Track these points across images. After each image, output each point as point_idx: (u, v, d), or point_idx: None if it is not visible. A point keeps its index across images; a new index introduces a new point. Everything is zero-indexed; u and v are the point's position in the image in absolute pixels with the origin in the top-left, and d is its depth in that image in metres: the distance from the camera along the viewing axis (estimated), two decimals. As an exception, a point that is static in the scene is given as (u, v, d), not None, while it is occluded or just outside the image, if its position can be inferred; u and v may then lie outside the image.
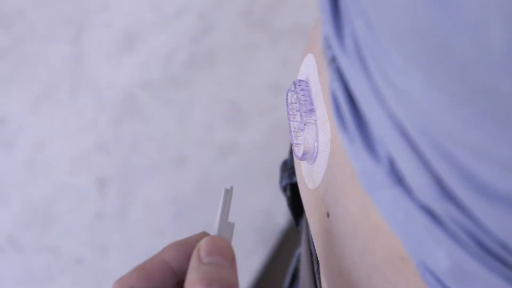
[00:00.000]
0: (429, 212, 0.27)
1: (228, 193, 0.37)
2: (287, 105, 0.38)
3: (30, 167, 1.23)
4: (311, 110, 0.36)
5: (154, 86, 1.26)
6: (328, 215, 0.36)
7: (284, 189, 0.51)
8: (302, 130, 0.37)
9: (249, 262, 1.16)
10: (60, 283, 1.19)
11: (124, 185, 1.22)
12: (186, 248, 0.35)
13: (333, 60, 0.31)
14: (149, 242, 1.18)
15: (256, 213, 1.19)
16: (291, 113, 0.37)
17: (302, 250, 0.47)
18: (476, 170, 0.24)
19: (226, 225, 0.37)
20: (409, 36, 0.23)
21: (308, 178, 0.38)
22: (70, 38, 1.29)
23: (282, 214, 1.18)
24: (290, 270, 0.60)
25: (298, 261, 0.57)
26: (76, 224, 1.21)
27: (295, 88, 0.37)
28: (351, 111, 0.30)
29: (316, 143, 0.36)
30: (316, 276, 0.42)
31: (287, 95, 0.38)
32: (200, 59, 1.28)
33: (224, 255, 0.34)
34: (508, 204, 0.24)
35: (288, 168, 0.51)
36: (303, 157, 0.37)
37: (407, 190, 0.28)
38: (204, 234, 0.36)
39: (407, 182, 0.28)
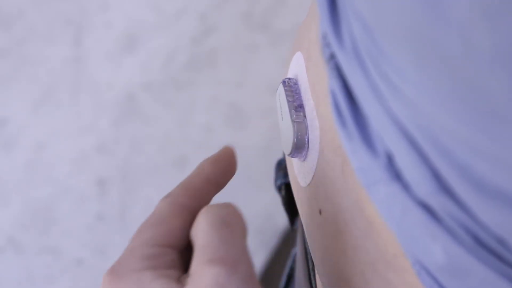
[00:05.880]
0: (426, 207, 0.28)
1: (286, 84, 0.38)
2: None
3: (30, 168, 1.24)
4: (301, 107, 0.36)
5: (154, 87, 1.26)
6: (320, 212, 0.36)
7: (279, 188, 0.51)
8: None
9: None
10: (60, 284, 1.19)
11: (124, 186, 1.22)
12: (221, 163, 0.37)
13: (331, 58, 0.31)
14: (149, 243, 1.18)
15: (256, 214, 1.19)
16: None
17: (298, 249, 0.48)
18: (472, 165, 0.24)
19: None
20: (405, 37, 0.23)
21: (300, 175, 0.39)
22: (70, 39, 1.29)
23: (282, 216, 1.18)
24: (286, 271, 0.60)
25: (294, 261, 0.57)
26: (76, 225, 1.21)
27: (285, 86, 0.37)
28: (349, 107, 0.30)
29: (306, 139, 0.36)
30: (311, 274, 0.42)
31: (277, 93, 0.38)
32: (201, 60, 1.28)
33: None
34: (503, 199, 0.24)
35: (283, 168, 0.51)
36: (293, 155, 0.37)
37: (404, 186, 0.28)
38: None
39: (405, 177, 0.28)
